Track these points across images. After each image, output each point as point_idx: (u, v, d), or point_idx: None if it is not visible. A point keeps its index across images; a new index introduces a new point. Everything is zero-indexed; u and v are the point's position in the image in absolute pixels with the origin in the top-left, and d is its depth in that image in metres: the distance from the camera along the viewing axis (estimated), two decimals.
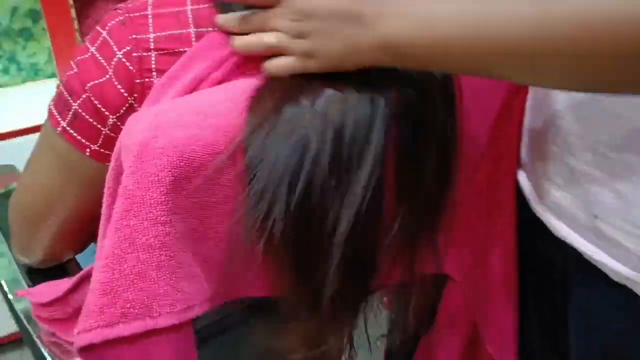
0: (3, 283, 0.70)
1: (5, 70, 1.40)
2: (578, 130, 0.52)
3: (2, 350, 1.45)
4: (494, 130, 0.60)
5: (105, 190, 0.47)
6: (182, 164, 0.41)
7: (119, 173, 0.45)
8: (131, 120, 0.45)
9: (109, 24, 0.54)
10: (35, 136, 1.25)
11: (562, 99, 0.54)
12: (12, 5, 1.35)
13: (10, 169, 0.90)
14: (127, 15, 0.53)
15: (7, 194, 0.82)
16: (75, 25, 1.40)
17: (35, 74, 1.44)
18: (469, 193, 0.61)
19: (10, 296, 0.68)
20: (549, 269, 0.61)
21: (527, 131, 0.61)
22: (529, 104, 0.61)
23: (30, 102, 1.37)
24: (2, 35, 1.36)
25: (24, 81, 1.43)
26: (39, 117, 1.24)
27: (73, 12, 1.39)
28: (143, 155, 0.41)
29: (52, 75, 1.45)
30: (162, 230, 0.41)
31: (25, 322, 0.64)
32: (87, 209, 0.58)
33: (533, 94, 0.59)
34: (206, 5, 0.54)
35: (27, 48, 1.41)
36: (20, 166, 0.82)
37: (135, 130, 0.42)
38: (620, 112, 0.47)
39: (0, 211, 0.79)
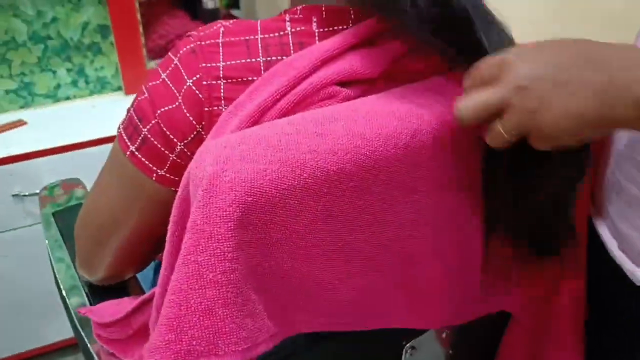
0: (62, 289, 0.72)
1: (74, 83, 1.46)
2: None
3: (58, 355, 1.49)
4: None
5: (171, 219, 0.47)
6: (249, 199, 0.41)
7: (186, 202, 0.45)
8: (201, 150, 0.45)
9: (180, 51, 0.55)
10: (101, 148, 1.29)
11: None
12: (83, 21, 1.40)
13: (75, 182, 0.92)
14: (198, 43, 0.54)
15: (72, 206, 0.85)
16: (142, 40, 1.45)
17: (102, 87, 1.48)
18: None
19: (68, 302, 0.69)
20: (630, 319, 0.58)
21: (610, 175, 0.58)
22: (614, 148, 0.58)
23: (97, 114, 1.42)
24: (73, 49, 1.41)
25: (91, 94, 1.48)
26: (105, 129, 1.29)
27: (140, 28, 1.44)
28: (212, 189, 0.41)
29: (119, 89, 1.49)
30: (229, 267, 0.40)
31: (80, 329, 0.65)
32: (150, 230, 0.59)
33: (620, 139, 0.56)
34: (275, 34, 0.54)
35: (95, 62, 1.45)
36: (86, 176, 0.85)
37: (205, 163, 0.42)
38: None
39: (64, 219, 0.82)
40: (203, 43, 0.54)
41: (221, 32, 0.54)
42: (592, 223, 0.62)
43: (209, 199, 0.40)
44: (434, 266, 0.56)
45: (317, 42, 0.54)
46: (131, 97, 1.43)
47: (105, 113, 1.41)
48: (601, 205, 0.60)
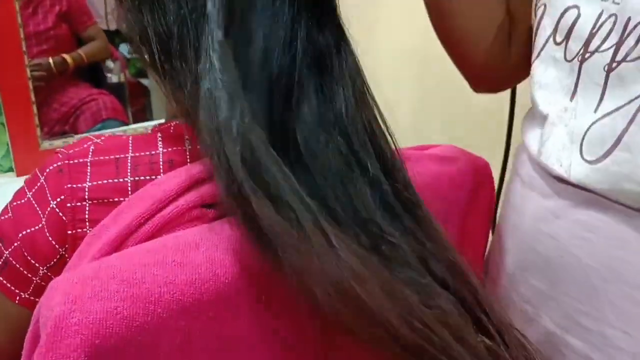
0: None
1: None
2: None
3: None
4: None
5: (23, 353, 0.45)
6: (97, 341, 0.40)
7: (36, 339, 0.43)
8: (52, 286, 0.43)
9: (47, 170, 0.54)
10: None
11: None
12: None
13: None
14: (66, 162, 0.53)
15: None
16: (36, 120, 1.40)
17: None
18: None
19: None
20: None
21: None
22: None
23: None
24: None
25: None
26: None
27: (34, 108, 1.39)
28: (57, 332, 0.39)
29: (10, 170, 1.43)
30: None
31: None
32: (9, 354, 0.55)
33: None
34: (146, 153, 0.54)
35: None
36: None
37: (53, 302, 0.41)
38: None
39: None
40: (71, 162, 0.53)
41: (91, 150, 0.54)
42: None
43: (52, 344, 0.39)
44: None
45: (188, 161, 0.54)
46: (22, 180, 1.37)
47: None
48: None
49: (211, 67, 0.45)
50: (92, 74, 1.95)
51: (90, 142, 0.54)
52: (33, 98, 1.38)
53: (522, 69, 0.67)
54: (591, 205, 0.52)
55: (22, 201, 0.53)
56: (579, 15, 0.54)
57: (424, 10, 0.67)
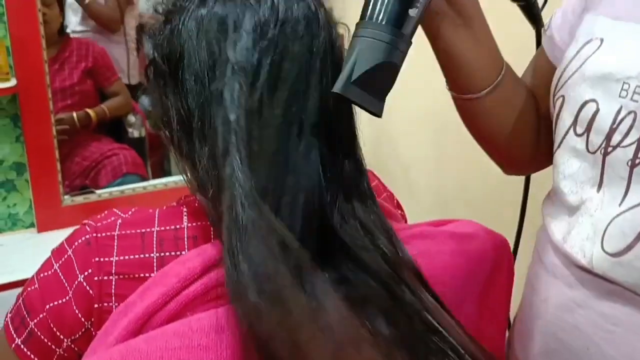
0: None
1: None
2: None
3: None
4: None
5: None
6: None
7: None
8: None
9: (75, 243, 0.55)
10: (10, 293, 1.23)
11: None
12: None
13: None
14: (93, 235, 0.54)
15: None
16: (59, 177, 1.44)
17: (13, 224, 1.44)
18: None
19: None
20: None
21: None
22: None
23: (6, 253, 1.36)
24: None
25: (1, 231, 1.43)
26: (15, 272, 1.23)
27: (58, 165, 1.43)
28: None
29: (31, 226, 1.45)
30: None
31: None
32: None
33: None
34: (171, 227, 0.55)
35: (8, 199, 1.42)
36: None
37: None
38: None
39: None
40: (99, 235, 0.54)
41: (118, 224, 0.55)
42: None
43: None
44: None
45: (212, 237, 0.55)
46: (44, 235, 1.39)
47: (15, 253, 1.36)
48: None
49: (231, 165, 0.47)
50: (114, 128, 2.01)
51: (117, 216, 0.56)
52: (58, 155, 1.41)
53: (550, 159, 0.68)
54: (615, 297, 0.52)
55: (49, 273, 0.54)
56: (598, 110, 0.55)
57: (441, 74, 0.68)
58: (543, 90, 0.66)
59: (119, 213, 0.57)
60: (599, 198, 0.54)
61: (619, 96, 0.53)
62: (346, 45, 0.56)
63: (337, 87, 0.47)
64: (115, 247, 0.54)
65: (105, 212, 0.58)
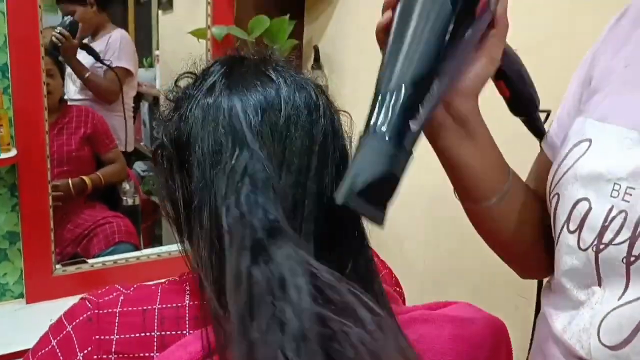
0: None
1: None
2: None
3: None
4: None
5: None
6: None
7: None
8: None
9: (76, 320, 0.54)
10: None
11: None
12: None
13: None
14: (95, 311, 0.54)
15: None
16: (52, 247, 1.43)
17: (1, 294, 1.41)
18: None
19: None
20: None
21: None
22: None
23: None
24: None
25: None
26: (1, 345, 1.20)
27: (52, 235, 1.42)
28: None
29: (20, 296, 1.43)
30: None
31: None
32: None
33: None
34: (173, 305, 0.55)
35: None
36: None
37: None
38: None
39: None
40: (100, 312, 0.54)
41: (120, 301, 0.55)
42: None
43: None
44: None
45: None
46: (32, 307, 1.37)
47: (1, 324, 1.33)
48: None
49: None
50: (108, 194, 2.01)
51: (119, 292, 0.56)
52: (52, 225, 1.41)
53: None
54: None
55: (46, 350, 0.53)
56: (590, 208, 0.56)
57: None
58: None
59: (121, 289, 0.57)
60: (601, 293, 0.55)
61: (611, 196, 0.55)
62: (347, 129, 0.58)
63: (340, 198, 0.49)
64: (117, 325, 0.53)
65: (107, 287, 0.57)
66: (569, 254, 0.59)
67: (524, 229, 0.69)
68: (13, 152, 1.31)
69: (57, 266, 1.44)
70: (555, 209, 0.61)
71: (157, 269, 1.51)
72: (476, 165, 0.63)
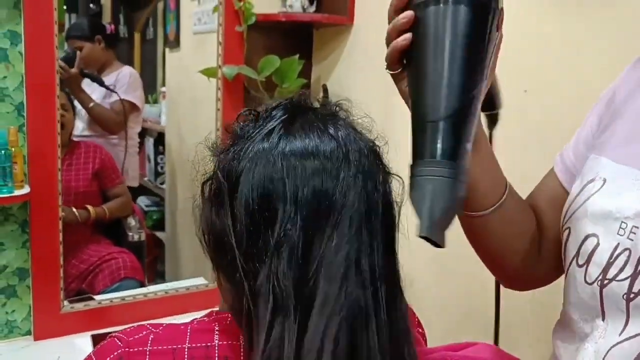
0: None
1: None
2: None
3: None
4: None
5: None
6: None
7: None
8: None
9: (106, 359, 0.54)
10: None
11: None
12: (2, 264, 1.37)
13: None
14: (126, 349, 0.54)
15: None
16: (61, 284, 1.42)
17: (9, 331, 1.41)
18: None
19: None
20: None
21: None
22: None
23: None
24: None
25: None
26: None
27: (61, 272, 1.42)
28: None
29: (27, 333, 1.42)
30: None
31: None
32: None
33: None
34: (202, 345, 0.56)
35: (7, 305, 1.40)
36: None
37: None
38: None
39: None
40: (131, 350, 0.54)
41: (150, 339, 0.55)
42: None
43: None
44: None
45: (242, 358, 0.56)
46: (39, 344, 1.36)
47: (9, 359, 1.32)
48: None
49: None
50: (114, 230, 2.01)
51: (148, 331, 0.56)
52: (62, 262, 1.41)
53: (551, 274, 0.72)
54: None
55: None
56: (598, 244, 0.59)
57: None
58: (551, 213, 0.70)
59: (150, 327, 0.57)
60: (604, 327, 0.57)
61: (617, 234, 0.58)
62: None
63: (423, 231, 0.50)
64: None
65: (135, 325, 0.58)
66: (576, 286, 0.62)
67: (515, 241, 0.72)
68: (26, 189, 1.31)
69: (65, 303, 1.44)
70: (567, 242, 0.64)
71: (164, 305, 1.51)
72: (478, 175, 0.64)
